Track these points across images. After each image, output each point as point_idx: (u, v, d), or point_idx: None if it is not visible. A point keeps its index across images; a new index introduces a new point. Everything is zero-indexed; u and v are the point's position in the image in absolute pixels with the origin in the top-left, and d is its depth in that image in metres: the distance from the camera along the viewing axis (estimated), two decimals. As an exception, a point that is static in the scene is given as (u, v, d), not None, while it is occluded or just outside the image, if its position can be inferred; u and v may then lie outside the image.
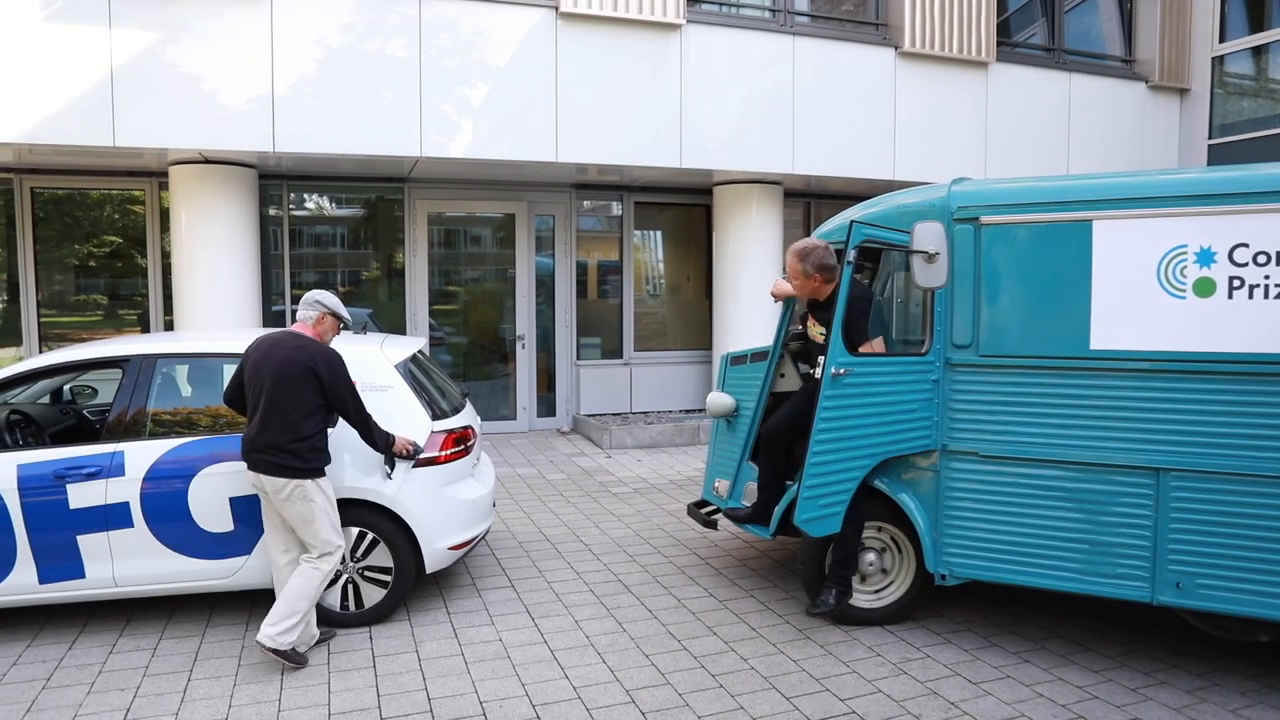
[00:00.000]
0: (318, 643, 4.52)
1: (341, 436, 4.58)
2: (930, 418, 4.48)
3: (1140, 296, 4.06)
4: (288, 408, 4.22)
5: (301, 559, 4.36)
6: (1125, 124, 11.47)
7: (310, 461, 4.27)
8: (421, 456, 4.80)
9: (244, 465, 4.49)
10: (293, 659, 4.26)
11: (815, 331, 4.66)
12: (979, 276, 4.38)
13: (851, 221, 4.30)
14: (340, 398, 4.34)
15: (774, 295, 5.05)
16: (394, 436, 4.58)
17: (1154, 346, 4.04)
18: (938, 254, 4.14)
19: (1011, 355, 4.34)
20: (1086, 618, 4.94)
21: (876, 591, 4.85)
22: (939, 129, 10.26)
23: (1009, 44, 11.14)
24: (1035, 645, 4.61)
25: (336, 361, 4.34)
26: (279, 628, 4.21)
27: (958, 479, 4.48)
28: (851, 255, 4.21)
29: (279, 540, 4.43)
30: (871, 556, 4.79)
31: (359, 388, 4.50)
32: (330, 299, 4.56)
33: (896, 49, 9.97)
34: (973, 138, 10.48)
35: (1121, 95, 11.45)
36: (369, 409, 4.49)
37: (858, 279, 4.60)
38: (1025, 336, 4.31)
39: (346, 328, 4.69)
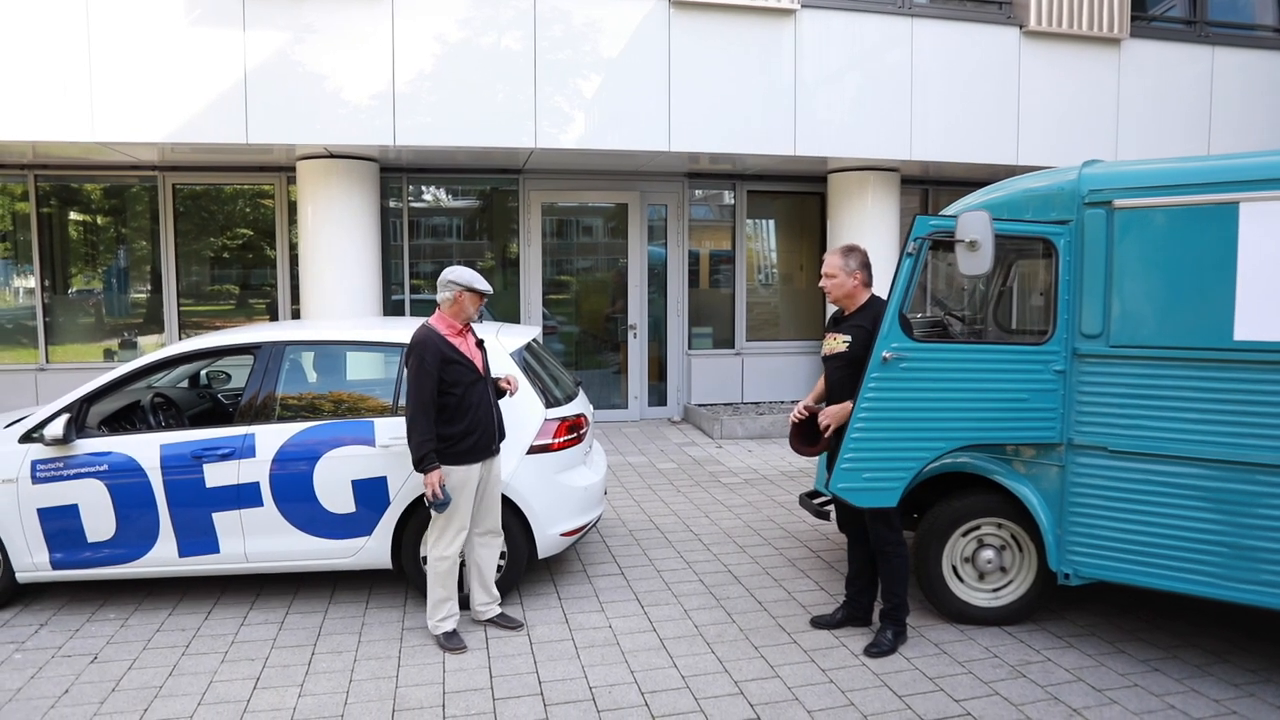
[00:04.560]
0: (492, 623, 4.70)
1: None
2: (1053, 409, 4.28)
3: (1291, 284, 3.78)
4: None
5: None
6: (1276, 99, 10.70)
7: (442, 447, 4.34)
8: (535, 444, 4.87)
9: (366, 449, 4.69)
10: (442, 644, 4.45)
11: (833, 344, 4.48)
12: (1111, 263, 4.16)
13: (916, 215, 4.24)
14: (408, 378, 4.23)
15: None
16: (434, 468, 4.18)
17: (1307, 338, 3.76)
18: (977, 241, 3.98)
19: (1146, 346, 4.10)
20: (1225, 627, 4.66)
21: (995, 590, 4.68)
22: (1066, 111, 9.79)
23: (1144, 18, 10.52)
24: (1167, 653, 4.37)
25: (420, 345, 4.23)
26: (430, 615, 4.49)
27: (1084, 474, 4.27)
28: (912, 247, 4.17)
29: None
30: (990, 554, 4.62)
31: None
32: (457, 273, 4.33)
33: (1021, 28, 9.56)
34: (1103, 119, 9.96)
35: (1272, 68, 10.67)
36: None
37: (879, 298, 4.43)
38: (1161, 326, 4.07)
39: (487, 294, 4.42)
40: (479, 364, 4.43)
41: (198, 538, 4.76)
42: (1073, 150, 9.36)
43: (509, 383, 4.67)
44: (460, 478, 4.36)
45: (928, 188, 11.41)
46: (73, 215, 9.99)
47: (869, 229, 9.87)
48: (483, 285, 4.36)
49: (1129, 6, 9.84)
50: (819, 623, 4.70)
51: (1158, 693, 3.98)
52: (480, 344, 4.55)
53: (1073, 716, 3.77)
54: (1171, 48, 10.27)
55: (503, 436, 4.61)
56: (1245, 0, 11.17)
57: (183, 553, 4.77)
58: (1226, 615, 4.77)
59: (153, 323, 9.91)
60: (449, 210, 10.83)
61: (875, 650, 4.35)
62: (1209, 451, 3.97)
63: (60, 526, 4.70)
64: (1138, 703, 3.89)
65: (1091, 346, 4.22)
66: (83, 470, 4.69)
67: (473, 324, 4.58)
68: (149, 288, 9.97)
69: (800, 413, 4.55)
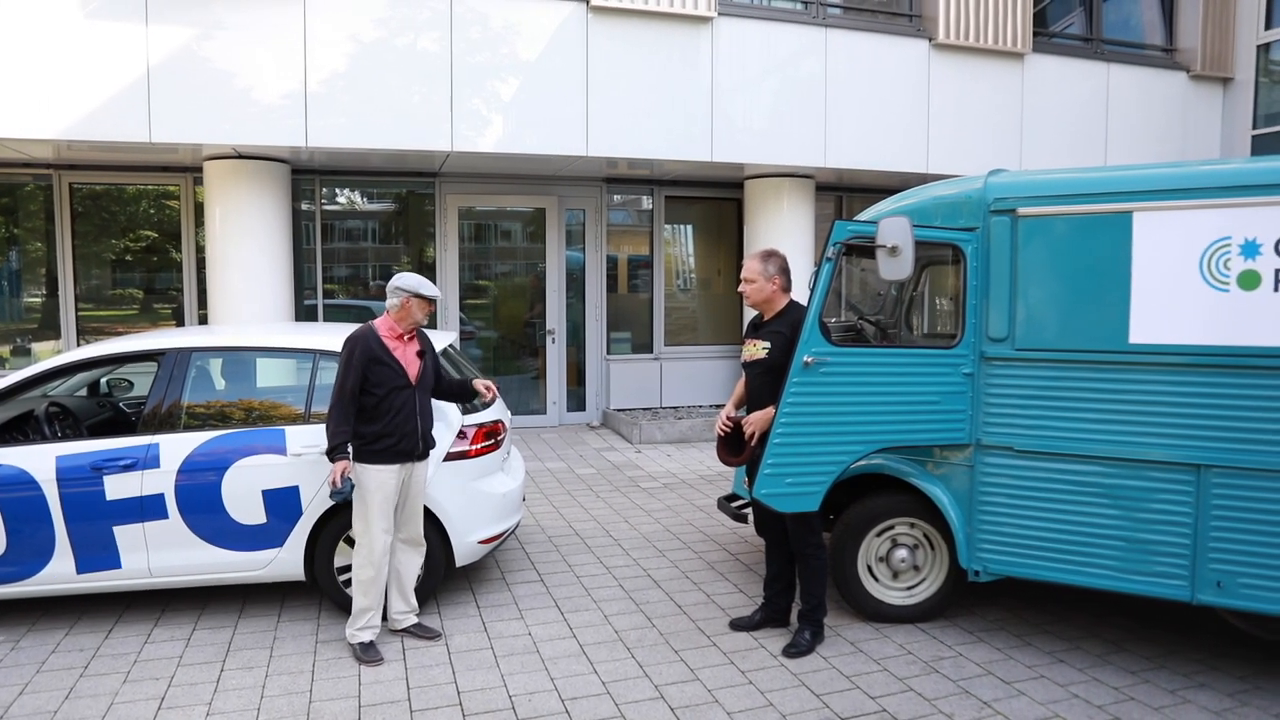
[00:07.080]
0: (409, 633, 4.61)
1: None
2: (962, 411, 4.41)
3: (1181, 289, 3.96)
4: None
5: None
6: (1165, 115, 11.26)
7: (358, 444, 4.33)
8: (452, 450, 4.81)
9: (277, 459, 4.56)
10: (358, 655, 4.34)
11: (753, 350, 4.54)
12: (1015, 269, 4.31)
13: (834, 220, 4.33)
14: (337, 370, 4.35)
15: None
16: (343, 458, 4.23)
17: (1195, 340, 3.95)
18: (898, 246, 4.10)
19: (1048, 349, 4.26)
20: (1124, 617, 4.86)
21: (909, 589, 4.79)
22: (973, 121, 10.13)
23: (1045, 34, 10.96)
24: (1071, 645, 4.54)
25: (352, 340, 4.34)
26: (350, 624, 4.42)
27: (992, 474, 4.41)
28: (831, 252, 4.24)
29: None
30: (903, 553, 4.73)
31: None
32: (405, 279, 4.41)
33: (930, 40, 9.85)
34: (1008, 130, 10.33)
35: (1162, 85, 11.24)
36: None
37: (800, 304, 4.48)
38: (1062, 330, 4.23)
39: (435, 299, 4.52)
40: (412, 372, 4.40)
41: (97, 553, 4.56)
42: (980, 159, 9.67)
43: (489, 390, 4.75)
44: (376, 479, 4.31)
45: (842, 194, 11.65)
46: (-41, 215, 9.49)
47: (784, 234, 10.03)
48: (430, 291, 4.44)
49: (1031, 22, 10.24)
50: (738, 625, 4.74)
51: (1062, 683, 4.13)
52: (422, 354, 4.51)
53: (983, 709, 3.88)
54: (1071, 63, 10.72)
55: (431, 445, 4.55)
56: (1137, 21, 11.73)
57: (81, 569, 4.57)
58: (1124, 606, 4.97)
59: (48, 328, 9.46)
60: (363, 213, 10.62)
61: (793, 650, 4.41)
62: (1107, 450, 4.14)
63: (-55, 544, 4.45)
64: (1044, 693, 4.03)
65: (998, 350, 4.36)
66: (-30, 484, 4.45)
67: (423, 333, 4.64)
68: (44, 291, 9.52)
69: (724, 425, 4.57)
